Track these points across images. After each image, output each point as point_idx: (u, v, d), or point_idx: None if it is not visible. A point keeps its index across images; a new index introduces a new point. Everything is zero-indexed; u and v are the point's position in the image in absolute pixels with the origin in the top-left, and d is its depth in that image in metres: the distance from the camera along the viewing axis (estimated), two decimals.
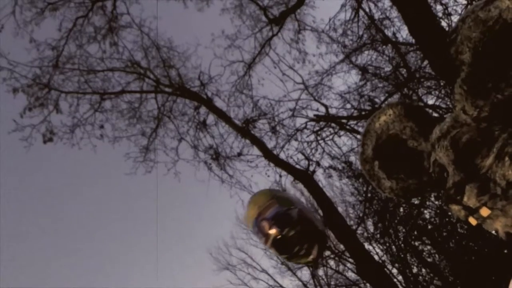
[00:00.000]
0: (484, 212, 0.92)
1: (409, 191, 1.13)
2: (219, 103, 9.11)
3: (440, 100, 8.44)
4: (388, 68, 8.71)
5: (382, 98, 8.53)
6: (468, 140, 0.93)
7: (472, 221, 0.95)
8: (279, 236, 1.53)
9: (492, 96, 0.88)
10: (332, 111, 8.79)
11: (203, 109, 9.10)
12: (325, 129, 8.79)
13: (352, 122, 8.75)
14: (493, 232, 0.98)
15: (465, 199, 0.92)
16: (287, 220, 1.56)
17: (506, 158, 0.88)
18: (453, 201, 0.94)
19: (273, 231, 1.54)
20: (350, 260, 11.39)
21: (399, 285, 11.18)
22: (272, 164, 8.77)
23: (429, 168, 1.04)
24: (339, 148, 8.93)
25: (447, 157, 0.96)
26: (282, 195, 1.71)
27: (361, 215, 10.48)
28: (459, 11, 7.32)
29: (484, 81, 0.88)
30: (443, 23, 7.00)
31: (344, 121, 8.79)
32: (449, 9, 7.44)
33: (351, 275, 12.70)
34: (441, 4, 7.48)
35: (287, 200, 1.67)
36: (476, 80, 0.88)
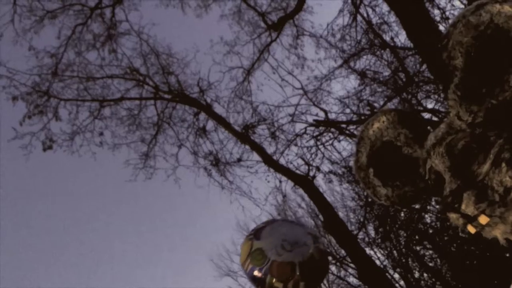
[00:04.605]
0: (483, 219, 0.91)
1: (405, 199, 1.11)
2: (218, 109, 9.11)
3: (439, 104, 8.43)
4: (386, 73, 8.72)
5: (381, 103, 8.52)
6: (463, 147, 0.91)
7: (471, 229, 0.93)
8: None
9: (486, 101, 0.86)
10: (332, 116, 8.80)
11: (202, 115, 9.11)
12: (324, 134, 8.79)
13: (351, 127, 8.74)
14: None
15: (463, 207, 0.91)
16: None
17: (503, 164, 0.87)
18: (451, 209, 0.92)
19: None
20: (352, 265, 11.32)
21: None
22: (272, 170, 8.77)
23: (425, 175, 1.03)
24: (339, 153, 8.91)
25: (443, 164, 0.94)
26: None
27: (362, 220, 10.44)
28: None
29: (478, 86, 0.86)
30: (441, 27, 7.01)
31: (343, 126, 8.79)
32: (447, 13, 7.46)
33: (353, 280, 12.63)
34: (439, 8, 7.50)
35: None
36: (469, 85, 0.87)
